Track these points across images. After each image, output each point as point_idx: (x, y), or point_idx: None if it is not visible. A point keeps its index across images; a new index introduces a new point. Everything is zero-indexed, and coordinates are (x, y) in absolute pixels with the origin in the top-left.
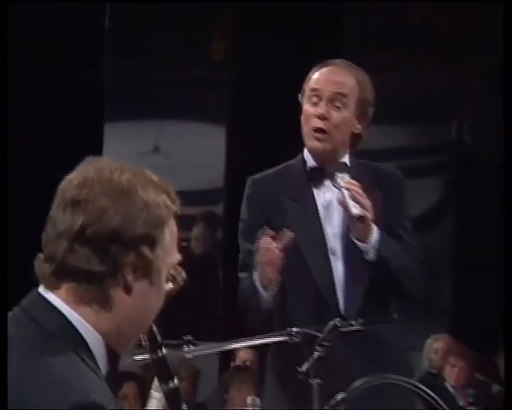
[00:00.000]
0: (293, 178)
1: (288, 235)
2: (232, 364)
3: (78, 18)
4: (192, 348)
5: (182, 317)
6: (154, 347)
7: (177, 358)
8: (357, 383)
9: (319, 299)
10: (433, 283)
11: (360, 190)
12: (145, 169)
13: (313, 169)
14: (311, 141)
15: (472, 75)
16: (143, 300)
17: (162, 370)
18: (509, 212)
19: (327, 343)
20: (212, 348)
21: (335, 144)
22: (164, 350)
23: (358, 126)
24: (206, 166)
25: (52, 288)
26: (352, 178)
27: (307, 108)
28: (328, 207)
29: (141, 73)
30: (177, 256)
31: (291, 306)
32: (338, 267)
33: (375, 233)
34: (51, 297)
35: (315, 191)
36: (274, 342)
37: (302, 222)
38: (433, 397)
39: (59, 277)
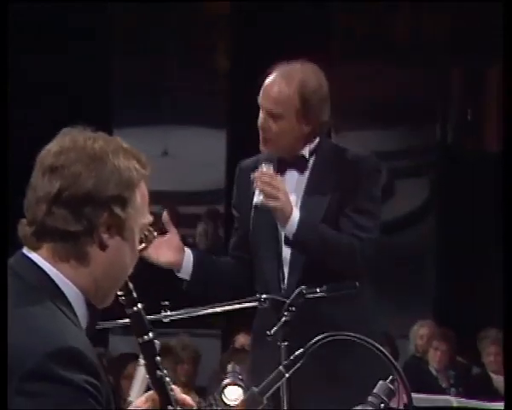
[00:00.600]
0: None
1: (164, 216)
2: (231, 347)
3: (87, 27)
4: (169, 312)
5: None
6: (131, 302)
7: (180, 342)
8: (314, 339)
9: (267, 276)
10: (420, 273)
11: (269, 179)
12: (116, 137)
13: (278, 159)
14: (260, 145)
15: (454, 82)
16: (118, 256)
17: (138, 324)
18: (495, 208)
19: (293, 309)
20: (187, 313)
21: (281, 148)
22: (139, 305)
23: (307, 127)
24: (209, 169)
25: (34, 248)
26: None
27: (260, 114)
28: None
29: (150, 82)
30: (148, 217)
31: (254, 278)
32: (286, 249)
33: (292, 219)
34: (33, 256)
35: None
36: (245, 308)
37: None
38: (385, 354)
39: (39, 237)
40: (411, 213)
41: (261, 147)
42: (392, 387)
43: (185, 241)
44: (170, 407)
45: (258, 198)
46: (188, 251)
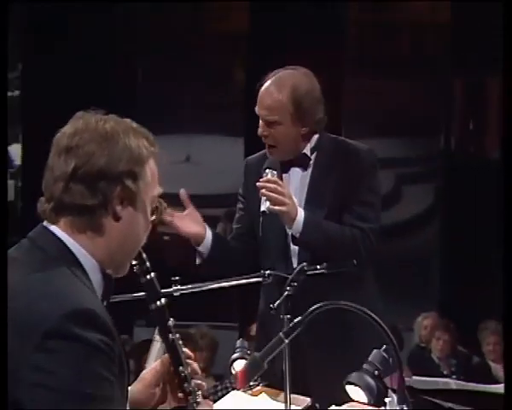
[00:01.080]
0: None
1: (182, 194)
2: (246, 335)
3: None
4: (179, 287)
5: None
6: (144, 271)
7: (199, 331)
8: (312, 308)
9: (275, 265)
10: (425, 272)
11: (276, 187)
12: (126, 119)
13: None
14: (268, 154)
15: (456, 95)
16: (131, 226)
17: (151, 291)
18: (497, 212)
19: (295, 284)
20: (196, 288)
21: (284, 151)
22: (152, 274)
23: (304, 129)
24: (227, 174)
25: (53, 222)
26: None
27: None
28: (292, 188)
29: (175, 96)
30: (158, 190)
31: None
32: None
33: (298, 220)
34: (53, 228)
35: (283, 176)
36: (250, 283)
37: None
38: (380, 324)
39: (58, 212)
40: (417, 216)
41: (268, 154)
42: (385, 355)
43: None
44: (181, 368)
45: (265, 205)
46: (207, 227)
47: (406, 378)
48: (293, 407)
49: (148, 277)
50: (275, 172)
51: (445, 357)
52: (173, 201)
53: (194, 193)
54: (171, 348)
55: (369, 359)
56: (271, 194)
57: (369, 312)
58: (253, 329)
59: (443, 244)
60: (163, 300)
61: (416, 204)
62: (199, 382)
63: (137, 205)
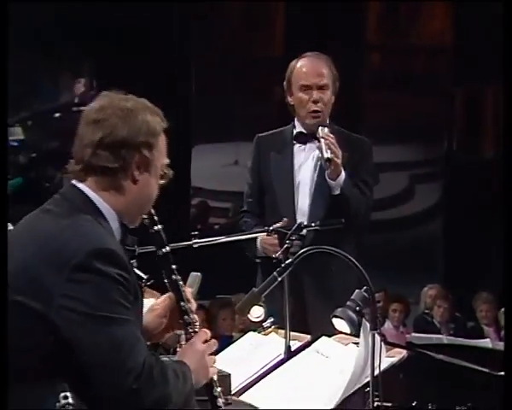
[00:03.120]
0: (283, 139)
1: None
2: None
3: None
4: (197, 240)
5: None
6: (152, 223)
7: (239, 298)
8: (300, 251)
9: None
10: (431, 254)
11: (334, 141)
12: (143, 99)
13: (299, 133)
14: (310, 121)
15: (458, 107)
16: (145, 188)
17: (158, 240)
18: (492, 206)
19: (293, 238)
20: (210, 241)
21: (325, 115)
22: (159, 226)
23: (333, 98)
24: None
25: (80, 181)
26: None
27: (301, 95)
28: (303, 160)
29: (227, 109)
30: (166, 159)
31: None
32: (303, 202)
33: (342, 175)
34: (80, 185)
35: (295, 148)
36: (256, 237)
37: (280, 168)
38: (359, 268)
39: (86, 172)
40: (426, 210)
41: (312, 123)
42: (365, 294)
43: None
44: (182, 303)
45: (327, 153)
46: None
47: (407, 335)
48: (295, 342)
49: (156, 228)
50: (326, 130)
51: (444, 322)
52: (223, 197)
53: (241, 191)
54: (174, 286)
55: (352, 297)
56: (332, 146)
57: (349, 256)
58: None
59: (447, 233)
60: (167, 247)
61: (426, 200)
62: (196, 316)
63: (151, 171)
